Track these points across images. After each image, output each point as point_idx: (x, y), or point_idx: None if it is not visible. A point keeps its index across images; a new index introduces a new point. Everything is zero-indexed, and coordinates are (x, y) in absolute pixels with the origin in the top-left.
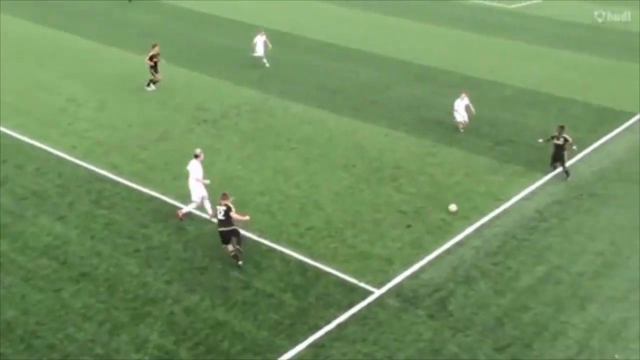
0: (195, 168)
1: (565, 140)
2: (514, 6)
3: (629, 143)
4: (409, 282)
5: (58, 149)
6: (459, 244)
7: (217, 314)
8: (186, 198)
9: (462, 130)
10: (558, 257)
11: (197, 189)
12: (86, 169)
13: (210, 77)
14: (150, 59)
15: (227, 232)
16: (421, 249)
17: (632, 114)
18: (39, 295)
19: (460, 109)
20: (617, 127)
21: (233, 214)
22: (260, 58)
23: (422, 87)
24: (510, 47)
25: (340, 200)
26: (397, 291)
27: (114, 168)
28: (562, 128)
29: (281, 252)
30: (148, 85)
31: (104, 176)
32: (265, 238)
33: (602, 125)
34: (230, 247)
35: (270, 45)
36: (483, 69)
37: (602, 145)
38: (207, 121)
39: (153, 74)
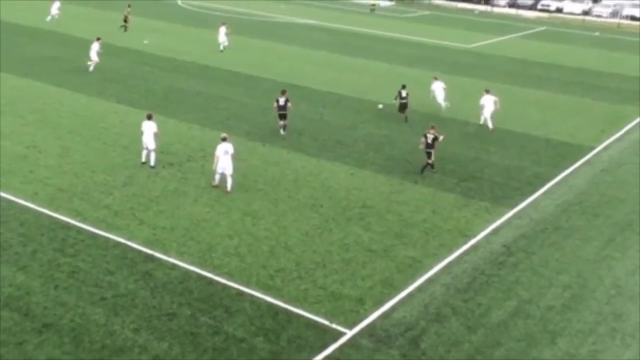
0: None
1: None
2: (471, 45)
3: (589, 176)
4: (381, 322)
5: (19, 197)
6: (429, 281)
7: None
8: (152, 243)
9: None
10: (527, 292)
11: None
12: (49, 216)
13: (175, 119)
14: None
15: None
16: (392, 288)
17: (591, 148)
18: (1, 349)
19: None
20: (577, 161)
21: None
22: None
23: (387, 126)
24: (469, 85)
25: (310, 240)
26: (369, 331)
27: (78, 215)
28: (404, 87)
29: (251, 295)
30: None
31: (67, 223)
32: (235, 281)
33: (563, 160)
34: None
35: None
36: (444, 109)
37: (564, 179)
38: (173, 164)
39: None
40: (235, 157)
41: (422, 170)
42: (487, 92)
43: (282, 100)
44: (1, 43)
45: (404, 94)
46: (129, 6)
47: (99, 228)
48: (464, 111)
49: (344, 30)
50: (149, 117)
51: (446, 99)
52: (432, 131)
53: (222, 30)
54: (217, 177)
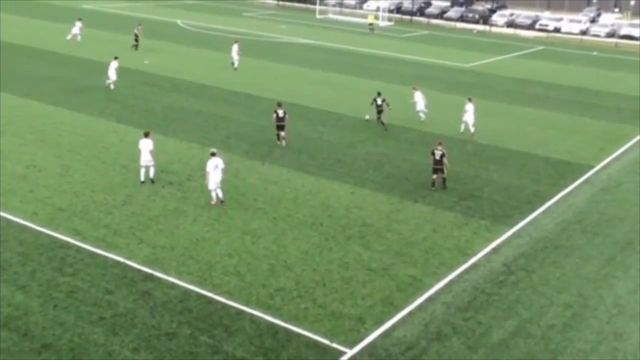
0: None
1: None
2: (470, 65)
3: (589, 195)
4: (382, 341)
5: (19, 217)
6: (430, 299)
7: None
8: (152, 262)
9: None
10: (527, 311)
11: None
12: (48, 236)
13: (175, 139)
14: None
15: None
16: (392, 307)
17: (590, 167)
18: None
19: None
20: (576, 179)
21: None
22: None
23: (386, 145)
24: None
25: (309, 259)
26: (369, 351)
27: (77, 234)
28: (379, 94)
29: (251, 315)
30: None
31: (67, 243)
32: (234, 300)
33: (563, 178)
34: None
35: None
36: (443, 126)
37: (563, 197)
38: (173, 183)
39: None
40: (225, 171)
41: (434, 184)
42: (470, 100)
43: (281, 112)
44: (0, 63)
45: (379, 101)
46: (140, 25)
47: (98, 247)
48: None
49: (343, 49)
50: (146, 135)
51: (425, 108)
52: (439, 147)
53: (235, 48)
54: (213, 194)
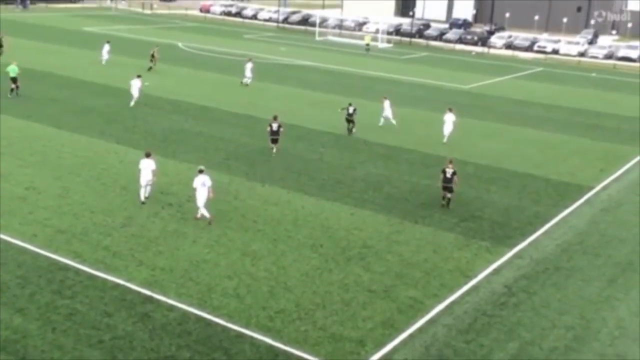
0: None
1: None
2: (469, 86)
3: (589, 216)
4: None
5: (18, 239)
6: (431, 322)
7: None
8: (151, 284)
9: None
10: (529, 333)
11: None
12: (48, 258)
13: (175, 160)
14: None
15: None
16: (393, 329)
17: (590, 188)
18: None
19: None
20: (576, 200)
21: None
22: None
23: (386, 166)
24: (468, 125)
25: (309, 281)
26: None
27: (76, 256)
28: (350, 105)
29: (251, 337)
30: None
31: (66, 265)
32: (234, 323)
33: (563, 199)
34: None
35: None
36: (443, 148)
37: (564, 218)
38: (172, 205)
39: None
40: (213, 189)
41: (445, 204)
42: (450, 110)
43: (275, 126)
44: (0, 85)
45: (350, 110)
46: (156, 47)
47: (97, 269)
48: (463, 151)
49: (343, 71)
50: (148, 155)
51: (392, 117)
52: (450, 166)
53: (249, 66)
54: (202, 210)
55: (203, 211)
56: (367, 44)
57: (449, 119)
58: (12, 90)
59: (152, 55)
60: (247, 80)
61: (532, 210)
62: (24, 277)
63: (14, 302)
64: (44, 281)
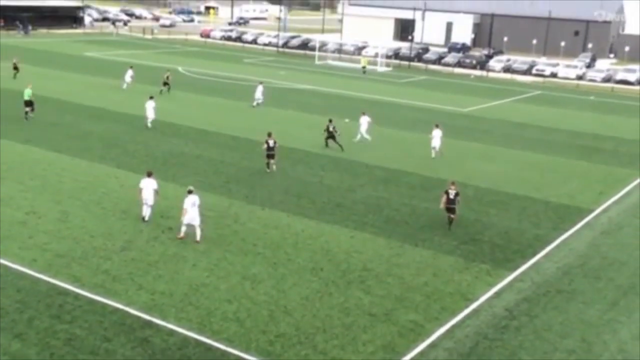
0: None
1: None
2: (468, 109)
3: (589, 239)
4: None
5: (17, 263)
6: (432, 345)
7: None
8: (151, 309)
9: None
10: (531, 357)
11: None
12: (47, 282)
13: (175, 184)
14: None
15: None
16: (394, 353)
17: (590, 211)
18: None
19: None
20: (576, 223)
21: None
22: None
23: (386, 189)
24: (467, 148)
25: (310, 304)
26: None
27: (76, 280)
28: (330, 121)
29: None
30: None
31: (65, 289)
32: (234, 347)
33: (563, 222)
34: None
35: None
36: (443, 171)
37: (564, 241)
38: (172, 229)
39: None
40: (202, 208)
41: (448, 224)
42: (437, 126)
43: (271, 142)
44: (1, 109)
45: (330, 127)
46: (168, 71)
47: (96, 294)
48: (463, 173)
49: (342, 95)
50: (149, 175)
51: (368, 132)
52: (453, 187)
53: (260, 88)
54: (184, 228)
55: (197, 232)
56: (364, 66)
57: (437, 134)
58: (26, 113)
59: (165, 81)
60: (257, 102)
61: (532, 233)
62: (23, 301)
63: (12, 327)
64: (43, 306)
